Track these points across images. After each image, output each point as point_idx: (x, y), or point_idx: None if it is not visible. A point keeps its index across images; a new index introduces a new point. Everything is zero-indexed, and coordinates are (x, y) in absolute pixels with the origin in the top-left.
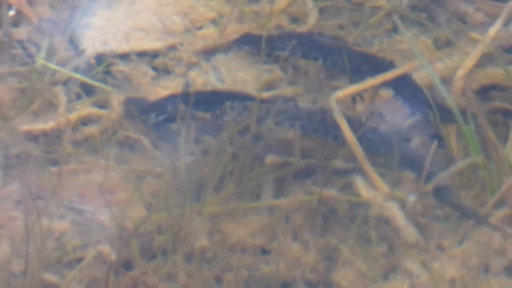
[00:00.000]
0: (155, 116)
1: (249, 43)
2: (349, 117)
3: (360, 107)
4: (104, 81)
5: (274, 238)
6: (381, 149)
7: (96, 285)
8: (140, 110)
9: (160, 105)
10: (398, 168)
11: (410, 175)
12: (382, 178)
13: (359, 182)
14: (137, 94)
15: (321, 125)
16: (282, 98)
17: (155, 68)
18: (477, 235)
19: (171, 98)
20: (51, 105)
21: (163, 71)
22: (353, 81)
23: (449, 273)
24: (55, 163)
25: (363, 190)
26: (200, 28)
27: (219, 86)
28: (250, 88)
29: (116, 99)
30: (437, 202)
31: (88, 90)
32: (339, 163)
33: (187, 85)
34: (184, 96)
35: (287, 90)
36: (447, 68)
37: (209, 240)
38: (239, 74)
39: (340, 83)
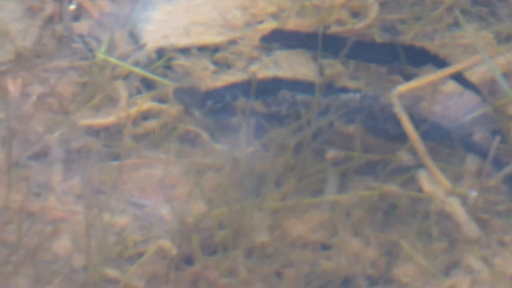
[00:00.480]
0: (212, 104)
1: (278, 39)
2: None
3: (422, 103)
4: (165, 76)
5: (335, 234)
6: (436, 136)
7: (156, 280)
8: (197, 97)
9: (218, 93)
10: (462, 151)
11: (472, 169)
12: (444, 173)
13: (422, 176)
14: (185, 84)
15: (370, 120)
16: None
17: (215, 63)
18: None
19: (230, 87)
20: (111, 100)
21: (224, 66)
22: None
23: (511, 269)
24: (116, 157)
25: (426, 184)
26: (260, 22)
27: None
28: None
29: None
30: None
31: (148, 84)
32: (401, 158)
33: (252, 75)
34: (245, 86)
35: (349, 85)
36: (509, 63)
37: (270, 236)
38: (300, 69)
39: (401, 77)
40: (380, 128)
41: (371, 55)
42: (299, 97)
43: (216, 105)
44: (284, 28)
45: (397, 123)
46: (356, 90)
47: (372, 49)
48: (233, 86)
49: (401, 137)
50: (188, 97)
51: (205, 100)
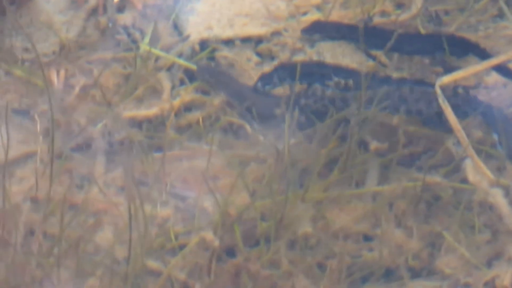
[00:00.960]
0: (262, 86)
1: (319, 31)
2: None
3: (463, 93)
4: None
5: (377, 225)
6: (469, 112)
7: (198, 272)
8: (221, 77)
9: (267, 76)
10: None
11: None
12: (487, 164)
13: (468, 166)
14: (208, 64)
15: (401, 102)
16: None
17: (259, 54)
18: None
19: (278, 68)
20: (155, 91)
21: (267, 57)
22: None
23: None
24: (159, 149)
25: (471, 174)
26: (304, 13)
27: None
28: None
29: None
30: None
31: (191, 76)
32: (448, 146)
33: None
34: (292, 69)
35: (394, 76)
36: None
37: (312, 227)
38: (344, 60)
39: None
40: (414, 110)
41: (413, 46)
42: (329, 92)
43: (267, 88)
44: (326, 20)
45: (429, 101)
46: (400, 80)
47: (413, 40)
48: (281, 67)
49: (437, 116)
50: (211, 76)
51: (257, 84)
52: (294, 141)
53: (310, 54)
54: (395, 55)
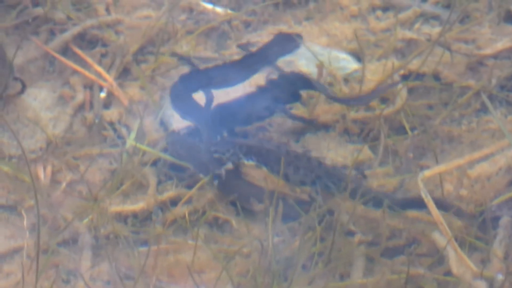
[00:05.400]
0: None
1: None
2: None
3: (449, 187)
4: None
5: None
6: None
7: None
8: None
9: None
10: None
11: (498, 252)
12: (471, 256)
13: (452, 258)
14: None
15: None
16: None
17: None
18: None
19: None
20: (140, 186)
21: None
22: None
23: None
24: (144, 243)
25: (455, 266)
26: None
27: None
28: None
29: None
30: None
31: (177, 170)
32: (432, 237)
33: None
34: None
35: (378, 171)
36: None
37: None
38: (329, 154)
39: (428, 162)
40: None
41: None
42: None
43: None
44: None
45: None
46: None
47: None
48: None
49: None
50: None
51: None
52: (279, 239)
53: (294, 148)
54: (380, 149)
